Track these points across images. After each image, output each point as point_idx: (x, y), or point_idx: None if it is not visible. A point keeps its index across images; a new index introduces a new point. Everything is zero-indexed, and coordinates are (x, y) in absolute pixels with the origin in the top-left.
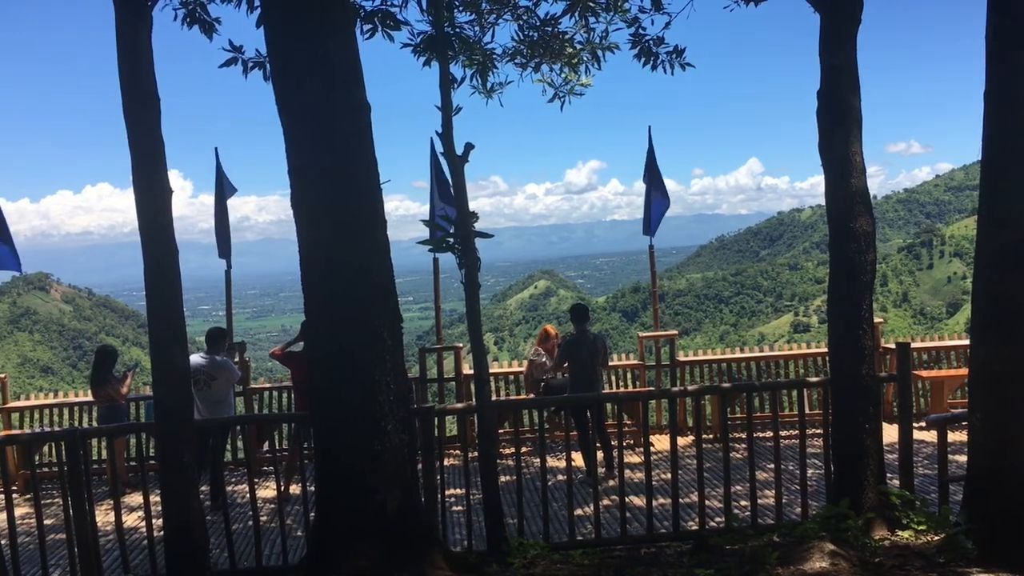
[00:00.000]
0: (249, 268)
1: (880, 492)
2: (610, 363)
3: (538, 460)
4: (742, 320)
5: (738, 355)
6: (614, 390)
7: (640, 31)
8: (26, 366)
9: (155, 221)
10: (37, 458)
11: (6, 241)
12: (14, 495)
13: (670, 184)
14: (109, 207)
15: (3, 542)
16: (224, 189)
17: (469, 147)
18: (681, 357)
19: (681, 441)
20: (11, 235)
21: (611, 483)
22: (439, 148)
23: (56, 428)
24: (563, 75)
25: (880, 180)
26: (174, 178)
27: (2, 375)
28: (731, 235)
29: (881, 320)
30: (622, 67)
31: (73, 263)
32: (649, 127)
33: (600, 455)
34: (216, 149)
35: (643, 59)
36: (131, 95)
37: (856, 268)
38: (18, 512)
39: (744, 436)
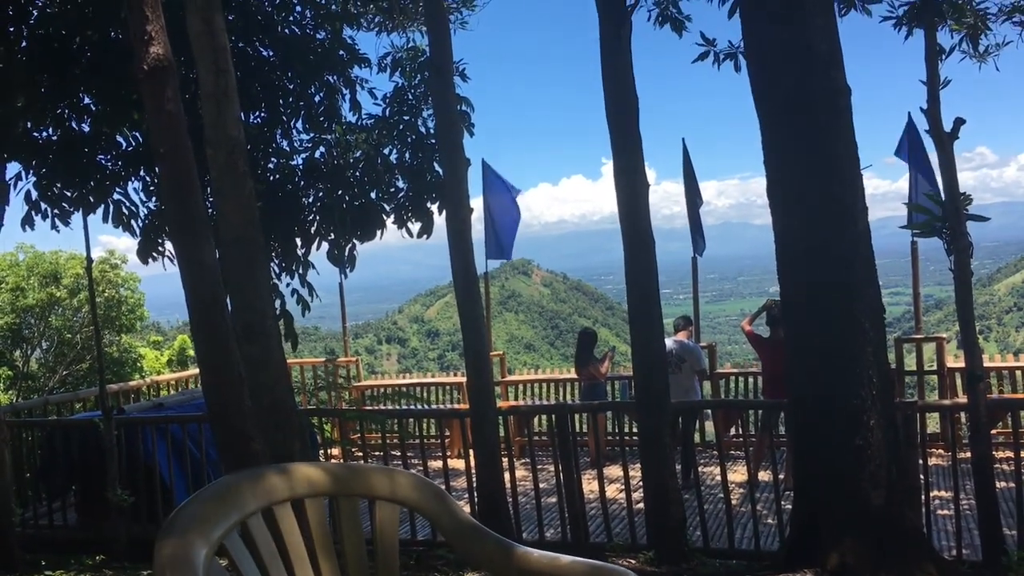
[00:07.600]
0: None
1: None
2: None
3: None
4: None
5: None
6: None
7: None
8: (512, 343)
9: (634, 215)
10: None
11: (506, 232)
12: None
13: None
14: (581, 198)
15: (508, 499)
16: (692, 180)
17: (959, 122)
18: None
19: None
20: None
21: None
22: (919, 124)
23: (545, 402)
24: None
25: None
26: None
27: (499, 352)
28: None
29: None
30: None
31: (549, 250)
32: None
33: None
34: (683, 140)
35: None
36: (614, 99)
37: None
38: (517, 475)
39: None
